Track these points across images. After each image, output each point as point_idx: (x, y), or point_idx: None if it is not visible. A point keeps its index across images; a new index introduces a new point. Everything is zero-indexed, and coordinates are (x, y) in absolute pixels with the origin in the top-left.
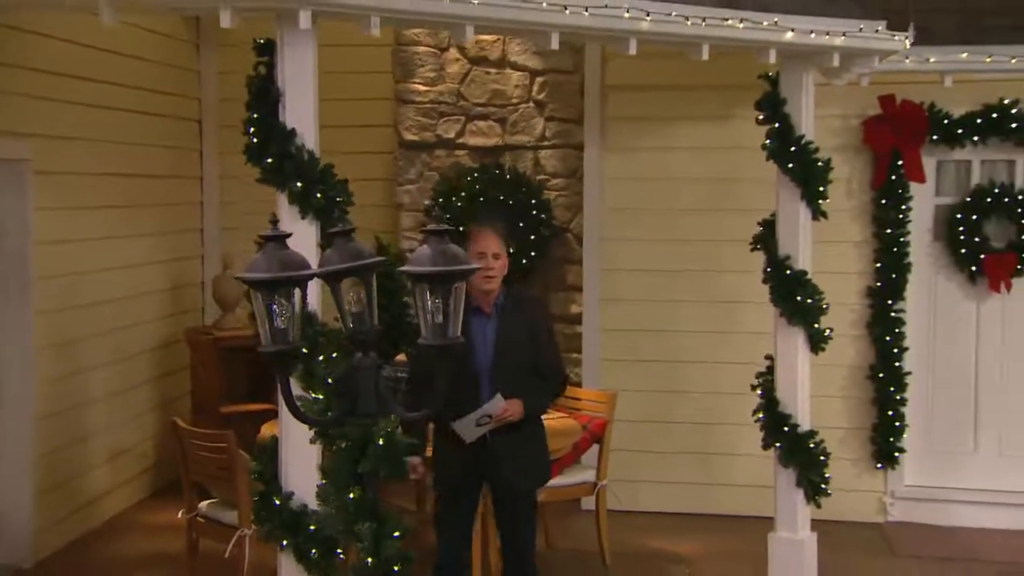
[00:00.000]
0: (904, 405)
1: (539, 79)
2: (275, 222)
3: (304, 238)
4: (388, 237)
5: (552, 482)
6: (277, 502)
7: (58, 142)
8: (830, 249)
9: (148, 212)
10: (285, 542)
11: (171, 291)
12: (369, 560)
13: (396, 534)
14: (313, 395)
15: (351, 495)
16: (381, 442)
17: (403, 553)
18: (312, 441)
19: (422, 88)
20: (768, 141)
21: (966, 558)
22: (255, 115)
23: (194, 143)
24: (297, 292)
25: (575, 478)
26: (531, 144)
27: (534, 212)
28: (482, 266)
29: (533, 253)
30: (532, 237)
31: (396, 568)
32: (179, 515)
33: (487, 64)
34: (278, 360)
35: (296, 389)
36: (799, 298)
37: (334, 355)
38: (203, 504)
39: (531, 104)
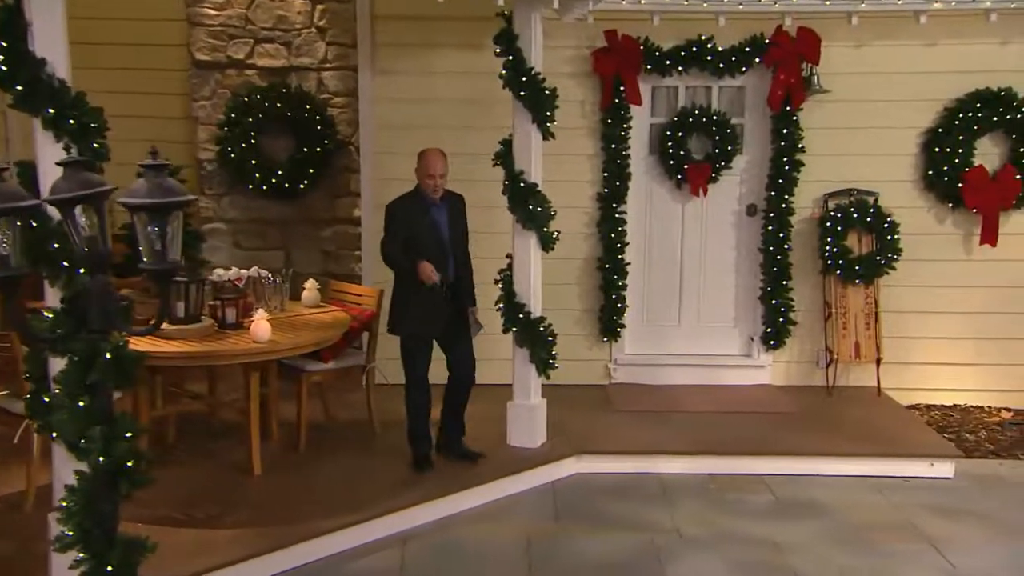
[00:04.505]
0: (625, 289)
1: (319, 6)
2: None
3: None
4: (186, 147)
5: (327, 365)
6: (47, 399)
7: None
8: (567, 161)
9: None
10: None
11: None
12: (101, 459)
13: (128, 435)
14: (45, 313)
15: (81, 403)
16: (109, 356)
17: (135, 452)
18: (48, 354)
19: (212, 12)
20: (504, 71)
21: (669, 409)
22: (3, 43)
23: None
24: (18, 222)
25: (348, 362)
26: (314, 66)
27: (319, 128)
28: (432, 183)
29: (319, 164)
30: (318, 149)
31: (128, 464)
32: None
33: None
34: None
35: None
36: (531, 206)
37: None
38: None
39: (313, 29)
